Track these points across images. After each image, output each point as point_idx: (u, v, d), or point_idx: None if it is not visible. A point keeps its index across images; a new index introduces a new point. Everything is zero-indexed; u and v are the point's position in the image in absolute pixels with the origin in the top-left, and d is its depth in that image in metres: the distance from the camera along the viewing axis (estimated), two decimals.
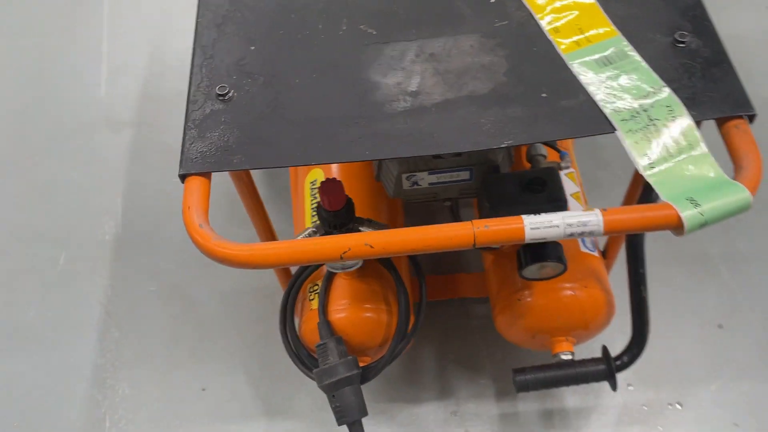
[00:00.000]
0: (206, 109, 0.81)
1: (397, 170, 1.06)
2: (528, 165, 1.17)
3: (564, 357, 1.17)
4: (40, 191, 1.67)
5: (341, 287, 1.15)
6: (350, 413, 1.07)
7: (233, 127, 0.79)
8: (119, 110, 1.81)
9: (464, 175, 1.09)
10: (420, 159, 1.04)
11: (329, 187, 0.96)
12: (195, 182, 0.76)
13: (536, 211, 0.99)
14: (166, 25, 1.99)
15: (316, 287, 1.18)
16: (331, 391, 1.07)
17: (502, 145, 0.75)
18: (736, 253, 1.52)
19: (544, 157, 1.16)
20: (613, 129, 0.73)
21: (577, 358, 1.16)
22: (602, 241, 1.28)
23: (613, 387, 1.13)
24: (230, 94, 0.81)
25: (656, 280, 1.23)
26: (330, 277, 1.16)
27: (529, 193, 1.01)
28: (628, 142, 0.72)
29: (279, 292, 1.46)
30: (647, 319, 1.11)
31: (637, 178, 1.08)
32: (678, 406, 1.34)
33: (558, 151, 1.21)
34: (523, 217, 0.70)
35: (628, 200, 1.14)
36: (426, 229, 0.70)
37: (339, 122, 0.79)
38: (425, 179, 1.08)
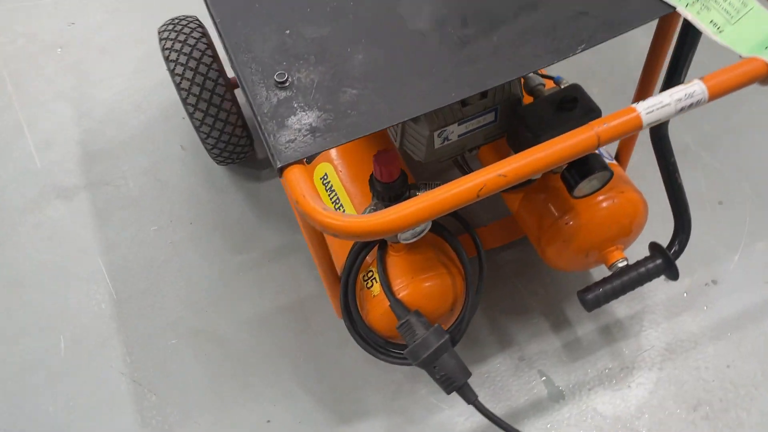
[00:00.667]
0: (273, 100, 0.77)
1: (427, 130, 1.05)
2: (531, 98, 1.19)
3: (621, 264, 1.20)
4: (12, 283, 1.52)
5: (397, 265, 1.13)
6: (456, 378, 1.05)
7: (308, 108, 0.76)
8: (63, 177, 1.68)
9: (490, 117, 1.10)
10: (449, 110, 1.04)
11: (384, 158, 0.94)
12: (295, 172, 0.72)
13: (574, 127, 1.03)
14: (80, 79, 1.87)
15: (370, 273, 1.15)
16: (431, 363, 1.05)
17: (577, 52, 0.76)
18: (707, 135, 1.63)
19: (543, 85, 1.19)
20: (672, 8, 0.77)
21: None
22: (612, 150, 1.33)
23: (676, 276, 1.18)
24: (289, 79, 0.77)
25: (650, 182, 1.30)
26: (383, 259, 1.13)
27: (565, 112, 1.04)
28: (690, 15, 0.75)
29: (301, 304, 1.42)
30: (686, 205, 1.16)
31: (648, 74, 1.13)
32: (713, 284, 1.42)
33: (551, 77, 1.24)
34: (635, 105, 0.71)
35: (639, 97, 1.19)
36: (549, 145, 0.70)
37: (407, 76, 0.78)
38: (455, 132, 1.09)
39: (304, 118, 0.75)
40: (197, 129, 1.44)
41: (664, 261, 1.18)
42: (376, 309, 1.13)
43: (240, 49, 0.81)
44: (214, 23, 0.84)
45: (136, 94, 1.81)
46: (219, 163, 1.58)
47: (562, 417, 1.29)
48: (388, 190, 0.99)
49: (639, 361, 1.34)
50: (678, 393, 1.30)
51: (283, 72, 0.77)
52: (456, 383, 1.05)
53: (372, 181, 0.99)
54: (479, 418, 1.28)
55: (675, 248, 1.20)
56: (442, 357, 1.05)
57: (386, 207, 0.96)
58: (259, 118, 0.75)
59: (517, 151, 1.10)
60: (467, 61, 0.79)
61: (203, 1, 0.87)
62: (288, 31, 0.82)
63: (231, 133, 1.46)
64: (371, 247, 1.14)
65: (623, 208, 1.19)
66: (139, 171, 1.67)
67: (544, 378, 1.33)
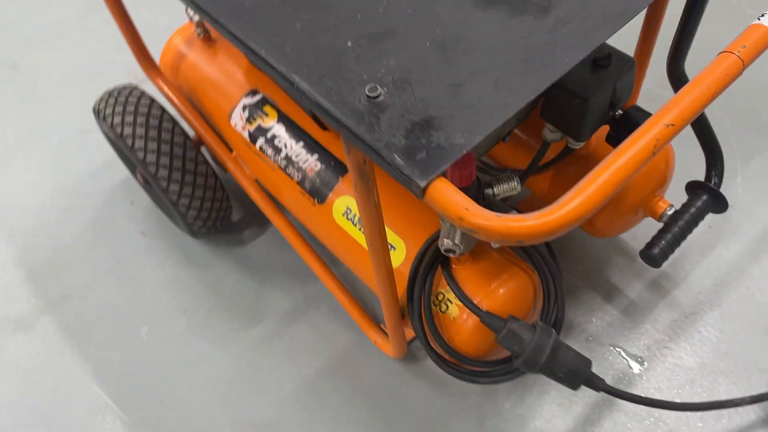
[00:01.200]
0: (375, 116, 0.65)
1: None
2: None
3: (670, 212, 1.18)
4: None
5: (468, 278, 1.03)
6: (582, 370, 0.97)
7: (416, 115, 0.65)
8: (13, 306, 1.43)
9: None
10: None
11: (461, 161, 0.84)
12: (440, 186, 0.61)
13: (619, 80, 0.99)
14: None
15: (441, 296, 1.05)
16: (553, 365, 0.95)
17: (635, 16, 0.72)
18: None
19: None
20: None
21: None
22: None
23: (725, 206, 1.16)
24: (380, 91, 0.66)
25: None
26: (453, 277, 1.03)
27: (602, 69, 0.99)
28: None
29: (342, 359, 1.28)
30: (714, 135, 1.15)
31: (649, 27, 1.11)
32: (731, 209, 1.42)
33: None
34: (761, 21, 0.66)
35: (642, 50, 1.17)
36: (698, 82, 0.64)
37: (506, 57, 0.69)
38: None
39: (419, 128, 0.64)
40: (174, 203, 1.27)
41: (709, 195, 1.16)
42: (462, 331, 1.03)
43: (312, 78, 0.68)
44: (266, 64, 0.70)
45: (64, 192, 1.59)
46: (199, 235, 1.41)
47: (651, 383, 1.24)
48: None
49: (697, 304, 1.32)
50: (746, 322, 1.29)
51: (376, 86, 0.66)
52: (583, 375, 0.97)
53: None
54: (571, 415, 1.21)
55: (714, 180, 1.18)
56: (560, 354, 0.96)
57: None
58: (374, 141, 0.63)
59: (560, 122, 1.04)
60: (558, 26, 0.72)
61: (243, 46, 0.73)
62: (349, 43, 0.71)
63: (213, 197, 1.30)
64: (435, 269, 1.04)
65: (659, 160, 1.16)
66: (102, 274, 1.46)
67: (618, 349, 1.28)
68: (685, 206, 1.17)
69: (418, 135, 0.63)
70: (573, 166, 1.18)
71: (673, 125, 0.61)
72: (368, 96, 0.66)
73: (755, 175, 1.47)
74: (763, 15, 0.67)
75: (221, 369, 1.32)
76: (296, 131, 1.22)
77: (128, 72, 1.75)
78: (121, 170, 1.59)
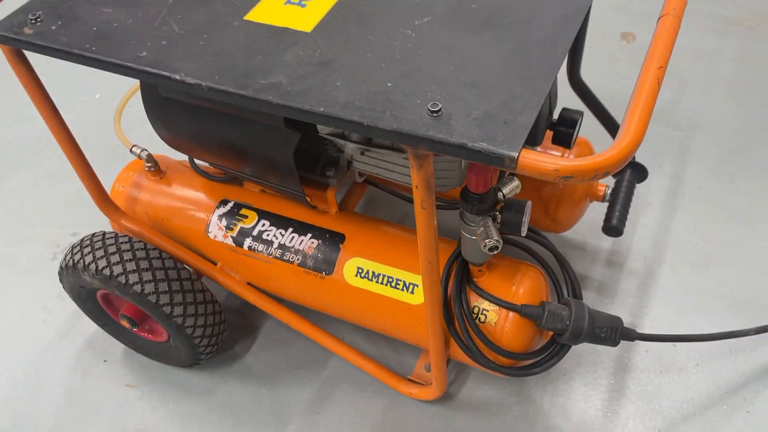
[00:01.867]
0: (446, 124, 0.77)
1: None
2: None
3: (609, 191, 1.39)
4: None
5: (491, 286, 1.15)
6: (617, 326, 1.10)
7: (479, 112, 0.79)
8: None
9: None
10: None
11: (479, 168, 0.98)
12: (527, 153, 0.74)
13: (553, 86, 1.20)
14: None
15: (476, 310, 1.15)
16: (593, 329, 1.09)
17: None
18: None
19: None
20: None
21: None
22: None
23: (646, 174, 1.41)
24: (440, 106, 0.79)
25: None
26: (480, 288, 1.14)
27: None
28: None
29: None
30: (611, 116, 1.39)
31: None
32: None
33: None
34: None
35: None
36: (656, 41, 0.85)
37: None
38: None
39: (486, 120, 0.77)
40: (180, 327, 1.26)
41: (632, 168, 1.41)
42: (507, 331, 1.13)
43: (375, 115, 0.79)
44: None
45: (26, 377, 1.47)
46: (203, 358, 1.38)
47: None
48: (481, 201, 1.02)
49: (648, 266, 1.53)
50: (690, 264, 1.52)
51: (437, 104, 0.78)
52: (619, 330, 1.10)
53: (467, 196, 1.01)
54: (602, 388, 1.34)
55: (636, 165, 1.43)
56: (596, 319, 1.10)
57: (484, 219, 1.01)
58: (458, 143, 0.75)
59: None
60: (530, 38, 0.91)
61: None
62: (390, 84, 0.83)
63: (213, 311, 1.31)
64: (464, 287, 1.14)
65: (588, 150, 1.39)
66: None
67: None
68: (618, 182, 1.40)
69: (489, 125, 0.77)
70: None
71: (661, 67, 0.80)
72: (431, 111, 0.78)
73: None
74: None
75: None
76: (281, 220, 1.29)
77: (47, 242, 1.70)
78: (79, 336, 1.52)
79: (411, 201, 1.37)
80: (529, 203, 1.04)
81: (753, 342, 1.37)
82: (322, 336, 1.35)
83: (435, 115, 0.79)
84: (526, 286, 1.16)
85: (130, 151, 1.38)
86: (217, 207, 1.34)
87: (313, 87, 0.85)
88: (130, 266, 1.22)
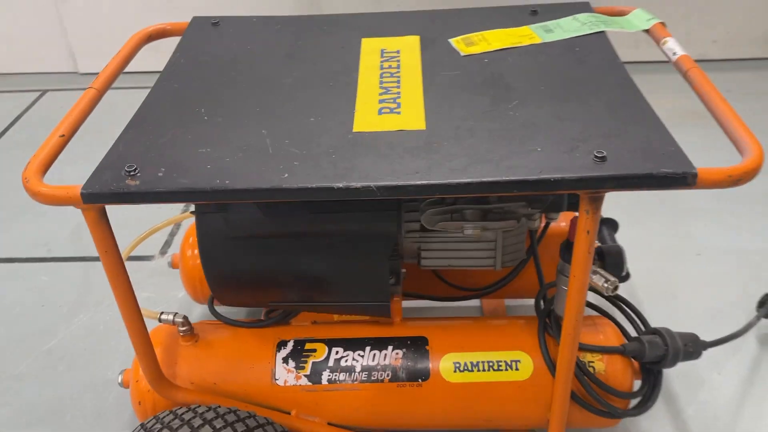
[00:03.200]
0: (615, 163, 0.88)
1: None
2: None
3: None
4: None
5: (584, 339, 1.24)
6: (696, 341, 1.24)
7: (637, 148, 0.92)
8: None
9: None
10: None
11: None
12: (704, 170, 0.87)
13: None
14: None
15: (591, 362, 1.21)
16: (684, 347, 1.21)
17: None
18: None
19: None
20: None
21: None
22: None
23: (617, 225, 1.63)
24: (604, 153, 0.89)
25: None
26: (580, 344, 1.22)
27: None
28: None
29: None
30: None
31: None
32: None
33: None
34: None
35: None
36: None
37: None
38: None
39: (646, 155, 0.90)
40: None
41: (603, 223, 1.62)
42: (618, 374, 1.21)
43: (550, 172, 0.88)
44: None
45: None
46: None
47: None
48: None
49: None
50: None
51: (598, 151, 0.89)
52: (699, 342, 1.24)
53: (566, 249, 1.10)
54: (676, 402, 1.45)
55: None
56: (681, 339, 1.23)
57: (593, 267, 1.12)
58: (642, 173, 0.86)
59: (546, 206, 1.36)
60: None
61: None
62: (539, 149, 0.92)
63: None
64: None
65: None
66: None
67: None
68: (600, 239, 1.60)
69: (651, 158, 0.90)
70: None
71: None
72: (597, 157, 0.89)
73: None
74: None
75: None
76: (354, 342, 1.25)
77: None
78: None
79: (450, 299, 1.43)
80: (623, 248, 1.18)
81: None
82: None
83: (600, 160, 0.90)
84: (607, 331, 1.27)
85: (159, 320, 1.24)
86: (277, 351, 1.25)
87: (470, 164, 0.91)
88: (232, 429, 1.08)
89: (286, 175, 0.91)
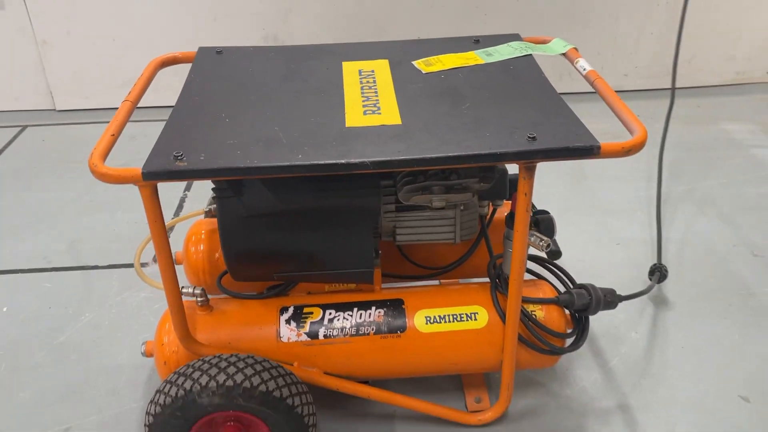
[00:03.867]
0: (546, 140, 1.21)
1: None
2: None
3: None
4: None
5: (526, 293, 1.55)
6: (613, 293, 1.57)
7: (564, 133, 1.25)
8: None
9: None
10: None
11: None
12: (604, 144, 1.21)
13: None
14: None
15: (532, 311, 1.52)
16: (604, 298, 1.54)
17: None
18: None
19: None
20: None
21: None
22: None
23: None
24: (534, 134, 1.22)
25: None
26: (525, 297, 1.54)
27: None
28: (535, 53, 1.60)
29: None
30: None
31: None
32: None
33: None
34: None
35: None
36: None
37: None
38: None
39: (569, 134, 1.23)
40: (299, 416, 1.37)
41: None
42: (555, 319, 1.52)
43: (499, 146, 1.20)
44: None
45: None
46: None
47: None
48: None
49: None
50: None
51: (529, 131, 1.22)
52: (616, 296, 1.57)
53: (510, 218, 1.43)
54: (598, 361, 1.78)
55: None
56: (603, 291, 1.55)
57: (530, 231, 1.45)
58: (568, 146, 1.19)
59: (493, 195, 1.69)
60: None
61: None
62: (488, 133, 1.24)
63: (308, 391, 1.45)
64: None
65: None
66: None
67: None
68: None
69: (564, 137, 1.23)
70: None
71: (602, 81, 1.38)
72: (529, 137, 1.22)
73: None
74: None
75: None
76: (343, 305, 1.52)
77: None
78: None
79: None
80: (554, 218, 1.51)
81: None
82: (399, 398, 1.56)
83: (531, 140, 1.23)
84: (544, 289, 1.59)
85: (182, 292, 1.49)
86: (280, 314, 1.52)
87: (441, 139, 1.23)
88: (249, 370, 1.33)
89: (300, 156, 1.20)
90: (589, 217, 2.41)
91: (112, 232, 2.38)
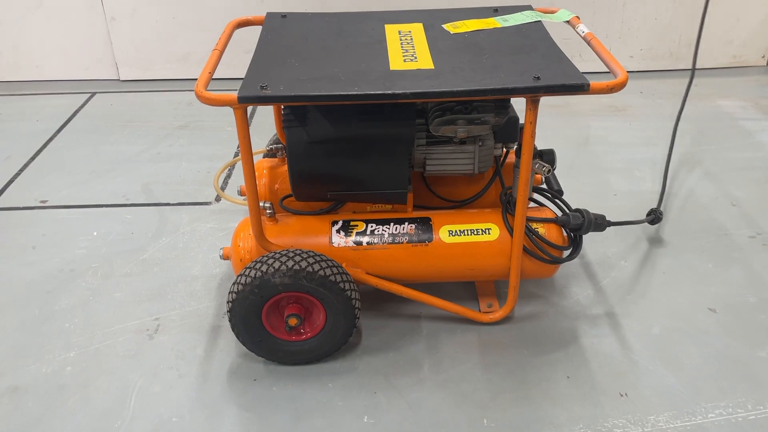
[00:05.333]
0: (551, 78, 1.56)
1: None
2: None
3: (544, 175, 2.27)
4: None
5: (529, 214, 1.91)
6: (603, 217, 1.92)
7: (564, 74, 1.61)
8: None
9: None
10: None
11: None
12: (593, 83, 1.57)
13: None
14: None
15: (536, 228, 1.88)
16: (595, 220, 1.89)
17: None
18: None
19: None
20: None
21: None
22: None
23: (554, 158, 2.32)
24: (539, 75, 1.58)
25: None
26: (530, 217, 1.89)
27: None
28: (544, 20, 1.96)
29: None
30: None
31: None
32: None
33: None
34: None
35: None
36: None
37: None
38: None
39: (566, 76, 1.59)
40: (347, 297, 1.74)
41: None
42: (555, 234, 1.88)
43: (511, 83, 1.56)
44: None
45: (191, 410, 1.72)
46: (357, 318, 1.82)
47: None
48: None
49: None
50: None
51: (534, 75, 1.58)
52: (606, 220, 1.92)
53: (518, 150, 1.78)
54: (573, 316, 2.13)
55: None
56: (594, 215, 1.90)
57: (535, 160, 1.80)
58: (566, 83, 1.55)
59: (507, 137, 2.04)
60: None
61: None
62: (502, 73, 1.60)
63: (353, 280, 1.81)
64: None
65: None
66: None
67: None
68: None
69: (563, 77, 1.58)
70: None
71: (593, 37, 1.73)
72: (536, 77, 1.57)
73: None
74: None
75: None
76: (382, 221, 1.89)
77: (136, 329, 1.97)
78: (218, 375, 1.82)
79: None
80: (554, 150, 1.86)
81: None
82: (425, 296, 1.93)
83: (537, 79, 1.58)
84: (545, 212, 1.94)
85: (261, 206, 1.86)
86: (332, 226, 1.89)
87: (466, 78, 1.59)
88: (311, 259, 1.71)
89: (356, 88, 1.57)
90: (591, 174, 2.76)
91: (179, 177, 2.77)
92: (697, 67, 3.67)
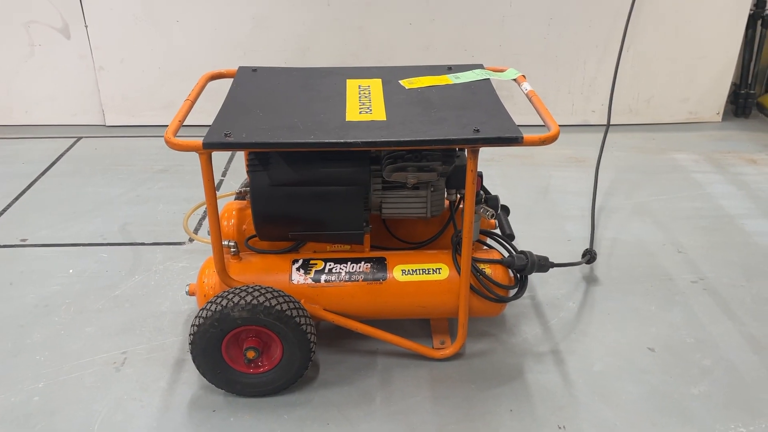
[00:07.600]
0: (490, 131, 1.72)
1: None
2: None
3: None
4: None
5: (474, 253, 2.05)
6: (546, 258, 2.06)
7: (497, 126, 1.77)
8: None
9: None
10: None
11: (478, 179, 1.93)
12: (526, 136, 1.72)
13: None
14: None
15: (483, 268, 2.01)
16: (538, 262, 2.03)
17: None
18: None
19: None
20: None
21: None
22: None
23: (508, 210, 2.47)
24: (479, 128, 1.73)
25: None
26: (476, 258, 2.03)
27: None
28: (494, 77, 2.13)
29: None
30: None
31: None
32: None
33: None
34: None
35: None
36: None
37: None
38: None
39: (497, 128, 1.75)
40: (303, 332, 1.85)
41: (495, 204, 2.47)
42: (501, 275, 2.01)
43: (459, 136, 1.71)
44: None
45: None
46: (312, 354, 1.92)
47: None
48: (479, 197, 1.95)
49: None
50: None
51: (474, 128, 1.73)
52: (548, 261, 2.06)
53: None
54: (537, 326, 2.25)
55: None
56: (537, 257, 2.04)
57: (481, 206, 1.95)
58: (502, 136, 1.70)
59: (458, 184, 2.19)
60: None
61: None
62: (447, 126, 1.76)
63: (309, 315, 1.93)
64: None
65: None
66: None
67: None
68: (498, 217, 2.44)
69: (501, 131, 1.74)
70: None
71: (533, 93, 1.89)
72: (475, 130, 1.73)
73: None
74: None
75: None
76: (340, 260, 2.02)
77: (103, 363, 2.07)
78: (179, 405, 1.91)
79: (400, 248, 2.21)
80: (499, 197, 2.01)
81: None
82: (381, 333, 2.04)
83: (476, 132, 1.74)
84: (493, 253, 2.08)
85: (225, 245, 1.99)
86: (293, 264, 2.01)
87: (413, 129, 1.74)
88: (269, 295, 1.83)
89: (312, 137, 1.72)
90: (548, 220, 2.91)
91: (156, 218, 2.90)
92: (655, 122, 3.91)
